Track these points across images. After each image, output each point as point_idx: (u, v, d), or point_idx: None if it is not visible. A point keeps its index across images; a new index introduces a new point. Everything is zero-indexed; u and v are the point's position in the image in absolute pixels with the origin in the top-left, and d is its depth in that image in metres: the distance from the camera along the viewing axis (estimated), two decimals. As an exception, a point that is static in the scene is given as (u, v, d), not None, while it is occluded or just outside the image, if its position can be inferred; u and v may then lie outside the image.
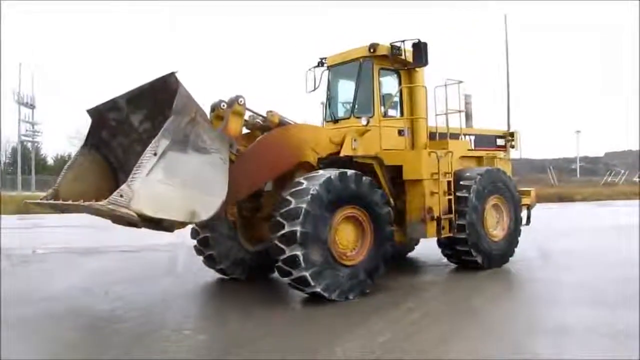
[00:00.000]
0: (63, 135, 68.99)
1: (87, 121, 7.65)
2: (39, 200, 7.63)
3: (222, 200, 6.66)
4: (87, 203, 6.13)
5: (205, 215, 6.49)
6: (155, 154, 6.01)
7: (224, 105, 7.85)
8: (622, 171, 64.24)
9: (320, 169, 8.15)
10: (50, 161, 71.49)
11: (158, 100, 6.71)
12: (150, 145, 6.09)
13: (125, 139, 7.69)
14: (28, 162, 58.15)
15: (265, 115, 8.40)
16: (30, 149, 61.24)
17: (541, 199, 31.49)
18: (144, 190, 5.85)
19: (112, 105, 7.37)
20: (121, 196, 5.70)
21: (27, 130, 59.15)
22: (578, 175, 71.70)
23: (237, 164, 7.35)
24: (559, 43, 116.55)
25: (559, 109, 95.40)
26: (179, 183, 6.18)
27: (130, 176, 5.92)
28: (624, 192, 42.18)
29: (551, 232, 15.78)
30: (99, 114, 7.55)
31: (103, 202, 5.75)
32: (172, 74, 6.51)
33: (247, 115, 8.17)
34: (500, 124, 40.23)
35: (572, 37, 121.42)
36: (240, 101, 7.79)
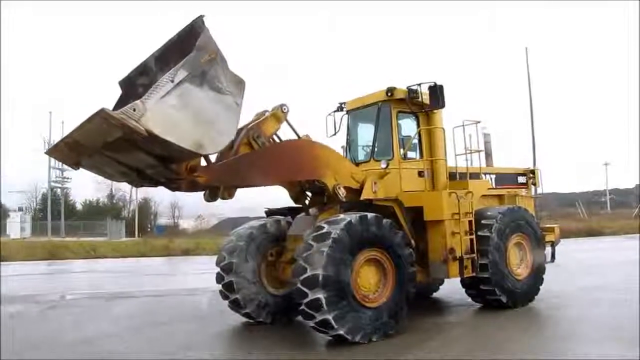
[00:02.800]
0: (91, 181, 70.03)
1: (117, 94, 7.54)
2: (53, 145, 7.21)
3: (230, 139, 6.74)
4: (99, 110, 5.85)
5: (211, 149, 6.56)
6: (172, 81, 6.07)
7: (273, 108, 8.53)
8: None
9: (340, 211, 8.29)
10: (79, 206, 72.72)
11: (185, 52, 6.59)
12: (168, 72, 6.18)
13: None
14: (58, 208, 59.19)
15: (299, 134, 8.82)
16: (60, 194, 62.44)
17: (569, 233, 31.31)
18: (157, 110, 5.88)
19: (142, 68, 7.32)
20: (134, 110, 5.70)
21: (56, 177, 60.35)
22: (608, 208, 70.52)
23: (257, 153, 7.97)
24: (585, 73, 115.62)
25: (587, 141, 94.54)
26: (191, 114, 6.21)
27: (145, 95, 5.96)
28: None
29: (578, 269, 15.57)
30: (129, 83, 7.40)
31: (116, 112, 5.71)
32: (200, 17, 6.59)
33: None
34: (527, 158, 40.28)
35: (597, 67, 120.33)
36: (284, 109, 8.56)
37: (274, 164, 8.17)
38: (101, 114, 5.67)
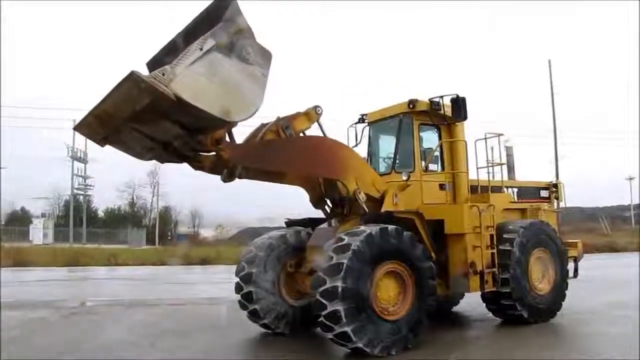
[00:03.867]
0: (113, 189, 70.90)
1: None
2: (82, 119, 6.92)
3: (256, 109, 6.76)
4: (128, 74, 5.86)
5: (237, 116, 6.62)
6: (201, 49, 6.18)
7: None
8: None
9: (360, 224, 8.26)
10: (101, 214, 73.55)
11: (214, 26, 6.64)
12: (197, 40, 6.29)
13: None
14: (80, 215, 59.92)
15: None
16: (82, 202, 63.22)
17: (592, 248, 30.87)
18: (186, 76, 5.98)
19: (170, 47, 7.29)
20: (163, 74, 5.79)
21: (79, 184, 61.18)
22: (632, 223, 69.43)
23: (285, 140, 8.32)
24: (610, 86, 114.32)
25: (611, 155, 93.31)
26: (219, 81, 6.31)
27: (175, 61, 6.07)
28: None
29: (601, 285, 15.32)
30: (156, 63, 7.25)
31: (145, 75, 5.78)
32: None
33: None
34: (550, 173, 39.91)
35: (622, 80, 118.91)
36: (318, 110, 8.87)
37: (300, 154, 8.28)
38: (131, 77, 5.75)
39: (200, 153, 7.54)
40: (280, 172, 8.67)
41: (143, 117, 6.23)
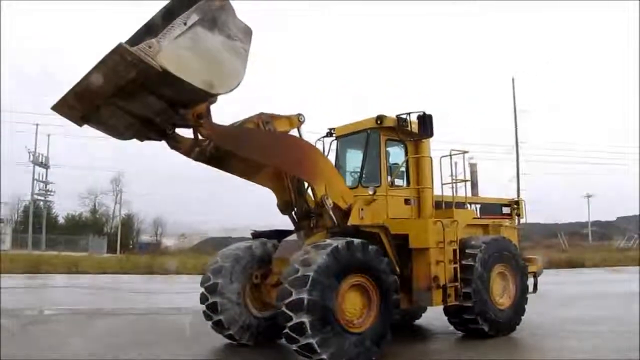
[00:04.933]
0: (75, 195, 69.67)
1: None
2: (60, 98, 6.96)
3: (239, 82, 6.93)
4: (116, 46, 5.95)
5: (220, 89, 6.78)
6: (185, 24, 6.31)
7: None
8: (636, 236, 63.50)
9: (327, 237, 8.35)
10: (61, 220, 72.05)
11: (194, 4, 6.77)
12: (182, 15, 6.39)
13: None
14: (39, 221, 58.62)
15: None
16: (42, 207, 61.89)
17: (551, 264, 31.53)
18: (171, 49, 6.11)
19: (148, 26, 7.31)
20: (149, 47, 5.91)
21: (40, 190, 59.96)
22: (590, 240, 71.16)
23: (264, 132, 8.62)
24: (569, 104, 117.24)
25: (571, 173, 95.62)
26: (202, 55, 6.47)
27: (160, 35, 6.20)
28: (635, 258, 41.58)
29: (559, 300, 15.70)
30: (134, 43, 7.05)
31: (132, 48, 5.86)
32: None
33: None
34: (511, 189, 40.71)
35: (582, 98, 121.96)
36: (301, 118, 9.24)
37: (274, 148, 8.46)
38: (119, 49, 5.84)
39: (178, 134, 7.73)
40: (252, 164, 8.68)
41: (127, 91, 6.34)
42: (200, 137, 7.75)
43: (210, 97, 7.10)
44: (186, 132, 7.85)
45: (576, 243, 61.88)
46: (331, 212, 8.75)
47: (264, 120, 8.73)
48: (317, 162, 8.88)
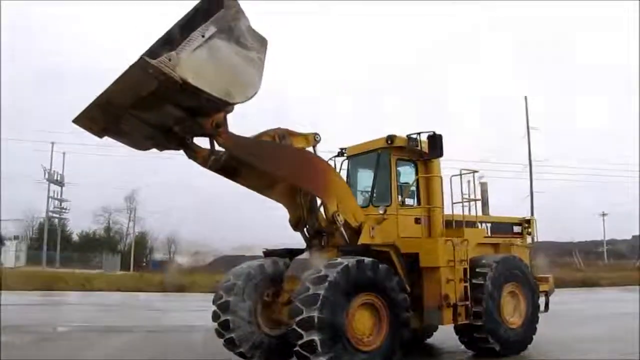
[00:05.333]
0: (89, 213, 70.11)
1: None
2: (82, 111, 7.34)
3: (256, 91, 7.17)
4: (138, 60, 6.33)
5: (238, 98, 7.06)
6: (203, 36, 6.56)
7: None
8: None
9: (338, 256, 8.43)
10: (75, 238, 72.43)
11: (211, 16, 6.96)
12: (200, 27, 6.63)
13: None
14: (54, 238, 59.06)
15: None
16: (57, 225, 62.38)
17: (565, 283, 31.23)
18: (190, 61, 6.37)
19: (166, 38, 7.56)
20: (169, 59, 6.17)
21: (54, 207, 60.46)
22: (605, 258, 70.38)
23: (280, 145, 8.74)
24: (583, 122, 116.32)
25: (586, 191, 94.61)
26: (220, 66, 6.73)
27: (179, 47, 6.43)
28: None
29: (572, 319, 15.60)
30: (152, 55, 7.30)
31: (153, 61, 6.13)
32: None
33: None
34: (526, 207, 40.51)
35: (596, 117, 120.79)
36: (317, 137, 9.38)
37: (289, 162, 8.62)
38: (140, 62, 6.18)
39: (196, 144, 8.01)
40: (266, 178, 8.81)
41: (147, 102, 6.66)
42: (216, 146, 7.95)
43: (228, 106, 7.33)
44: (203, 143, 8.11)
45: (591, 262, 61.18)
46: (342, 229, 8.83)
47: (281, 135, 8.88)
48: (330, 180, 9.00)
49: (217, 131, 7.63)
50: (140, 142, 7.89)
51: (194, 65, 6.43)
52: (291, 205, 9.42)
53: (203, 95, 6.65)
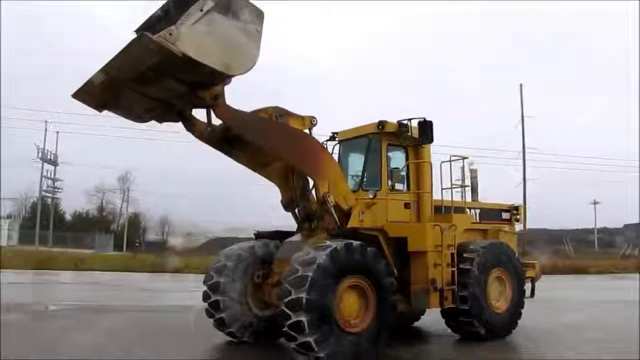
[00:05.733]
0: (83, 192, 70.04)
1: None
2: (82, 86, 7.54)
3: (254, 63, 7.34)
4: (139, 35, 6.51)
5: (238, 70, 7.26)
6: (201, 10, 6.71)
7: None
8: (640, 243, 63.02)
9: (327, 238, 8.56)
10: (68, 217, 72.45)
11: None
12: (197, 2, 6.78)
13: None
14: (47, 218, 59.02)
15: None
16: (50, 204, 62.31)
17: (556, 270, 31.55)
18: (189, 35, 6.53)
19: (160, 14, 7.73)
20: (170, 34, 6.33)
21: (48, 187, 60.34)
22: (596, 247, 70.94)
23: (277, 122, 8.90)
24: (577, 112, 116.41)
25: (578, 179, 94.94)
26: (219, 39, 6.89)
27: (178, 22, 6.58)
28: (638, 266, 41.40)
29: (560, 305, 15.83)
30: (147, 30, 7.63)
31: (154, 36, 6.30)
32: None
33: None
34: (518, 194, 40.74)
35: (590, 104, 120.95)
36: (313, 120, 9.52)
37: (284, 139, 8.82)
38: (143, 38, 6.35)
39: (194, 117, 8.34)
40: (261, 154, 9.00)
41: (147, 77, 6.89)
42: (213, 119, 8.21)
43: (227, 78, 7.54)
44: (200, 116, 8.45)
45: (582, 250, 61.65)
46: (332, 210, 8.95)
47: (278, 113, 9.03)
48: (323, 160, 9.12)
49: (216, 102, 7.87)
50: (139, 115, 8.13)
51: (194, 39, 6.60)
52: (284, 185, 9.56)
53: (203, 69, 6.83)
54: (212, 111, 8.22)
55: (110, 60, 6.81)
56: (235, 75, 7.43)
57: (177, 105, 7.98)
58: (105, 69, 6.93)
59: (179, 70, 6.92)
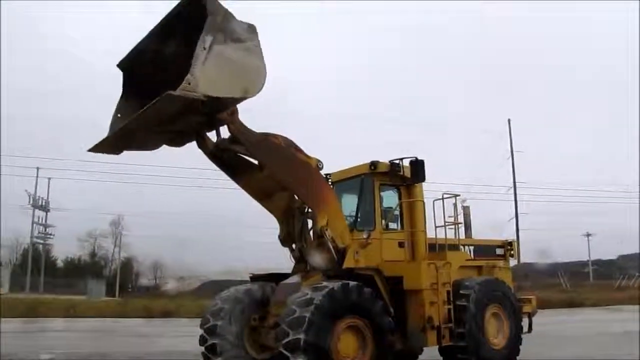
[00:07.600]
0: (74, 238, 69.47)
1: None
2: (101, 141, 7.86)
3: (265, 77, 7.57)
4: (163, 95, 6.62)
5: (255, 91, 7.51)
6: (204, 48, 6.90)
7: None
8: (637, 274, 63.03)
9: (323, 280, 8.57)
10: (60, 263, 71.71)
11: (191, 19, 7.26)
12: (198, 42, 6.94)
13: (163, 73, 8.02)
14: (38, 264, 58.40)
15: None
16: (41, 250, 61.75)
17: (551, 304, 31.41)
18: (204, 76, 6.79)
19: (140, 49, 7.92)
20: (189, 83, 6.58)
21: (39, 233, 59.93)
22: (591, 279, 70.79)
23: (285, 148, 8.93)
24: (567, 145, 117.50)
25: (571, 211, 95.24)
26: (230, 67, 7.16)
27: (191, 67, 6.79)
28: (634, 297, 41.25)
29: (556, 340, 15.76)
30: (131, 62, 8.06)
31: (175, 92, 6.49)
32: None
33: None
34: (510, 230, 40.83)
35: (579, 138, 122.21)
36: (320, 164, 9.42)
37: (289, 166, 8.91)
38: (166, 97, 6.56)
39: (207, 135, 8.55)
40: (266, 183, 9.10)
41: (170, 119, 7.28)
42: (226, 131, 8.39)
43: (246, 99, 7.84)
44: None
45: (577, 282, 61.45)
46: (330, 245, 8.97)
47: (287, 143, 9.11)
48: (325, 195, 9.23)
49: (232, 118, 8.15)
50: (155, 146, 8.49)
51: (209, 78, 6.88)
52: (284, 220, 9.62)
53: (225, 100, 7.23)
54: (227, 127, 8.41)
55: (132, 119, 7.17)
56: (254, 96, 7.69)
57: (198, 130, 8.30)
58: (128, 125, 7.26)
59: (200, 107, 7.19)
